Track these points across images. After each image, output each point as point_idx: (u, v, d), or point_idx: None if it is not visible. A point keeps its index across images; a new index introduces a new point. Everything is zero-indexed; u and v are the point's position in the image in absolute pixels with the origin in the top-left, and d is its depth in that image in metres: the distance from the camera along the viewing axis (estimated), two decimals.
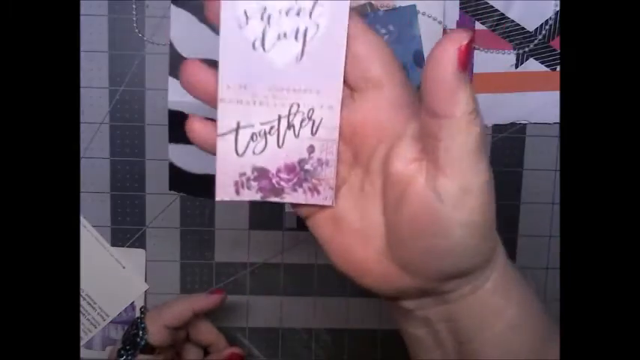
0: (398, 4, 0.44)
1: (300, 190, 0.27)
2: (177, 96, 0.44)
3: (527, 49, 0.45)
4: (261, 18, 0.24)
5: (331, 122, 0.26)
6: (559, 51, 0.45)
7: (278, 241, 0.47)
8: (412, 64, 0.44)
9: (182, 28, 0.44)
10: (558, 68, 0.46)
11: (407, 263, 0.25)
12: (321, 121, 0.26)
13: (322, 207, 0.27)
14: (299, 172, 0.26)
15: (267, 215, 0.47)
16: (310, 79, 0.25)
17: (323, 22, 0.24)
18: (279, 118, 0.26)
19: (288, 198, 0.27)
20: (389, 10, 0.44)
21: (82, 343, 0.48)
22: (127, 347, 0.40)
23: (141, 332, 0.40)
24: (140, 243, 0.47)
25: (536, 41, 0.45)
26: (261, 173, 0.26)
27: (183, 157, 0.45)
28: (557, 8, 0.45)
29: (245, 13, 0.24)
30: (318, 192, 0.27)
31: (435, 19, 0.44)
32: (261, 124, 0.26)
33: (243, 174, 0.26)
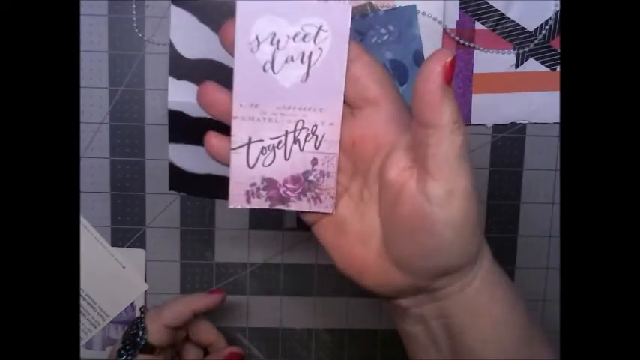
0: (398, 4, 0.44)
1: (304, 199, 0.30)
2: (177, 96, 0.44)
3: (527, 49, 0.45)
4: (271, 43, 0.27)
5: (332, 137, 0.29)
6: (559, 51, 0.45)
7: (278, 241, 0.47)
8: (412, 64, 0.44)
9: (182, 28, 0.44)
10: (558, 68, 0.46)
11: (401, 261, 0.28)
12: (323, 136, 0.29)
13: (325, 214, 0.30)
14: (303, 183, 0.29)
15: (267, 215, 0.47)
16: (314, 98, 0.28)
17: (326, 47, 0.27)
18: (286, 133, 0.29)
19: (294, 206, 0.30)
20: (389, 10, 0.44)
21: (82, 343, 0.48)
22: (127, 347, 0.40)
23: (141, 332, 0.40)
24: (140, 243, 0.47)
25: (536, 41, 0.45)
26: (270, 183, 0.29)
27: (183, 157, 0.45)
28: (557, 8, 0.45)
29: (257, 38, 0.27)
30: (320, 201, 0.29)
31: (435, 19, 0.44)
32: (270, 139, 0.29)
33: (253, 184, 0.29)
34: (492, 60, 0.45)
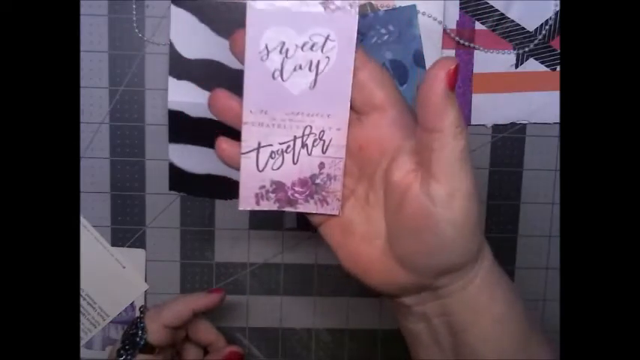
0: (398, 4, 0.44)
1: (311, 202, 0.31)
2: (177, 96, 0.44)
3: (527, 49, 0.45)
4: (280, 52, 0.28)
5: (339, 142, 0.30)
6: (559, 51, 0.45)
7: (278, 241, 0.47)
8: (412, 64, 0.44)
9: (182, 28, 0.44)
10: (558, 68, 0.46)
11: (405, 259, 0.29)
12: (330, 141, 0.30)
13: (331, 215, 0.31)
14: (311, 186, 0.30)
15: (267, 215, 0.47)
16: (322, 104, 0.29)
17: (333, 55, 0.29)
18: (295, 138, 0.30)
19: (301, 208, 0.31)
20: (389, 10, 0.44)
21: (82, 343, 0.48)
22: (127, 347, 0.40)
23: (140, 332, 0.40)
24: (140, 243, 0.47)
25: (536, 41, 0.45)
26: (279, 186, 0.31)
27: (183, 157, 0.45)
28: (557, 8, 0.45)
29: (266, 47, 0.28)
30: (327, 203, 0.31)
31: (435, 19, 0.44)
32: (279, 143, 0.30)
33: (262, 187, 0.31)
34: (492, 60, 0.45)
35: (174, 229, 0.47)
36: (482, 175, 0.47)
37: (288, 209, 0.31)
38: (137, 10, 0.44)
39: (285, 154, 0.30)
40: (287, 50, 0.28)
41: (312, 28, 0.28)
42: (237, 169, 0.30)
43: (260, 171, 0.30)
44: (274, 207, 0.31)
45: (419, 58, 0.44)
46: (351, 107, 0.29)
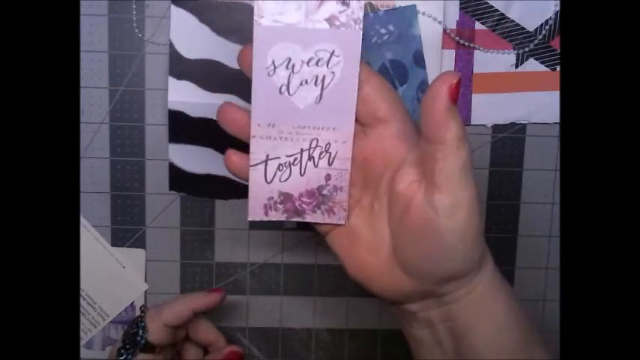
0: (398, 4, 0.44)
1: (318, 212, 0.32)
2: (177, 96, 0.44)
3: (527, 49, 0.45)
4: (287, 67, 0.29)
5: (345, 154, 0.31)
6: (559, 51, 0.45)
7: (278, 241, 0.47)
8: (412, 64, 0.44)
9: (182, 28, 0.44)
10: (558, 68, 0.46)
11: (409, 267, 0.30)
12: (336, 154, 0.31)
13: (337, 225, 0.32)
14: (318, 197, 0.31)
15: None
16: (327, 118, 0.30)
17: (338, 70, 0.29)
18: (302, 151, 0.31)
19: (309, 218, 0.32)
20: (389, 10, 0.44)
21: (82, 343, 0.48)
22: (127, 346, 0.40)
23: (141, 331, 0.40)
24: (140, 243, 0.47)
25: (536, 41, 0.45)
26: (286, 197, 0.31)
27: (183, 157, 0.45)
28: (557, 8, 0.45)
29: (273, 63, 0.29)
30: (334, 213, 0.32)
31: (435, 19, 0.44)
32: (287, 156, 0.31)
33: (271, 198, 0.31)
34: (492, 60, 0.45)
35: (174, 229, 0.47)
36: (482, 175, 0.47)
37: (296, 219, 0.32)
38: (137, 10, 0.44)
39: (292, 166, 0.31)
40: (293, 66, 0.29)
41: (317, 44, 0.29)
42: (246, 180, 0.31)
43: (268, 182, 0.31)
44: (282, 217, 0.32)
45: (419, 58, 0.44)
46: (356, 120, 0.30)
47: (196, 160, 0.45)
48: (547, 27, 0.45)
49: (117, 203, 0.46)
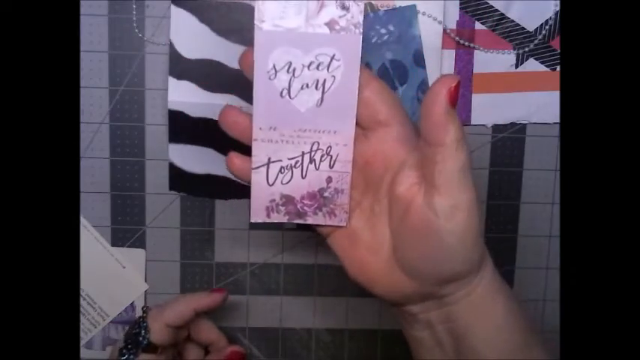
0: (398, 4, 0.44)
1: (320, 214, 0.32)
2: (177, 96, 0.44)
3: (527, 49, 0.45)
4: (288, 71, 0.30)
5: (346, 157, 0.31)
6: (559, 51, 0.45)
7: (278, 241, 0.47)
8: (412, 64, 0.44)
9: (182, 28, 0.44)
10: (558, 68, 0.46)
11: (409, 268, 0.30)
12: (337, 157, 0.31)
13: (338, 227, 0.32)
14: (319, 199, 0.32)
15: None
16: (328, 121, 0.30)
17: (338, 74, 0.30)
18: (303, 154, 0.31)
19: (310, 220, 0.32)
20: (389, 10, 0.44)
21: (82, 343, 0.48)
22: (129, 346, 0.40)
23: (143, 331, 0.40)
24: (140, 243, 0.47)
25: (536, 41, 0.45)
26: (288, 200, 0.32)
27: (183, 157, 0.45)
28: (557, 8, 0.45)
29: (274, 67, 0.30)
30: (335, 215, 0.32)
31: (435, 19, 0.44)
32: (288, 159, 0.31)
33: (273, 200, 0.32)
34: (492, 60, 0.45)
35: (174, 229, 0.47)
36: (482, 175, 0.47)
37: (297, 221, 0.32)
38: (137, 10, 0.44)
39: (294, 169, 0.31)
40: (294, 70, 0.30)
41: (317, 49, 0.29)
42: (248, 182, 0.32)
43: (270, 185, 0.31)
44: (284, 219, 0.32)
45: (419, 58, 0.44)
46: (357, 123, 0.30)
47: (196, 160, 0.45)
48: (547, 27, 0.45)
49: (117, 203, 0.46)
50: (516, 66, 0.45)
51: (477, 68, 0.45)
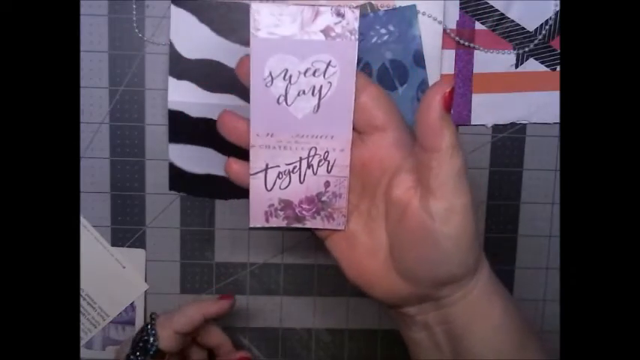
0: (398, 4, 0.44)
1: (318, 218, 0.32)
2: (177, 96, 0.44)
3: (527, 49, 0.45)
4: (284, 78, 0.30)
5: (343, 162, 0.31)
6: (559, 51, 0.45)
7: (278, 241, 0.47)
8: (412, 64, 0.44)
9: (182, 28, 0.44)
10: (558, 68, 0.46)
11: (406, 271, 0.30)
12: (334, 161, 0.31)
13: (336, 230, 0.32)
14: (317, 203, 0.32)
15: None
16: (325, 127, 0.31)
17: (334, 80, 0.30)
18: (301, 159, 0.31)
19: (309, 224, 0.32)
20: (389, 10, 0.44)
21: (82, 343, 0.48)
22: (137, 353, 0.40)
23: (152, 339, 0.40)
24: (140, 243, 0.47)
25: (536, 41, 0.45)
26: (287, 204, 0.32)
27: (183, 157, 0.45)
28: (557, 8, 0.45)
29: (270, 74, 0.30)
30: (333, 219, 0.32)
31: (435, 19, 0.44)
32: (286, 164, 0.31)
33: (271, 205, 0.32)
34: (492, 60, 0.45)
35: (174, 229, 0.47)
36: (482, 175, 0.47)
37: (296, 225, 0.32)
38: (137, 10, 0.44)
39: (291, 174, 0.31)
40: (290, 76, 0.30)
41: (313, 55, 0.30)
42: (247, 188, 0.32)
43: (268, 190, 0.32)
44: (283, 224, 0.32)
45: (419, 58, 0.44)
46: (354, 128, 0.31)
47: (196, 160, 0.45)
48: (547, 27, 0.45)
49: (117, 203, 0.46)
50: (516, 66, 0.45)
51: (477, 68, 0.45)
